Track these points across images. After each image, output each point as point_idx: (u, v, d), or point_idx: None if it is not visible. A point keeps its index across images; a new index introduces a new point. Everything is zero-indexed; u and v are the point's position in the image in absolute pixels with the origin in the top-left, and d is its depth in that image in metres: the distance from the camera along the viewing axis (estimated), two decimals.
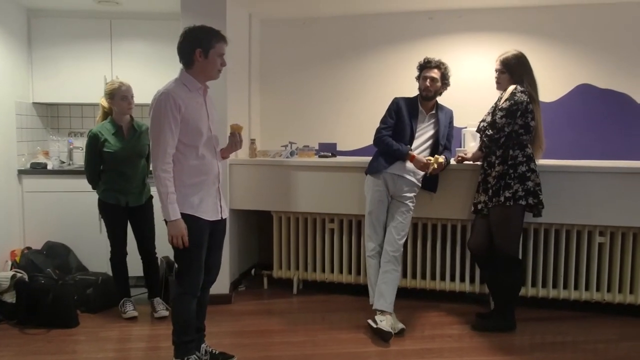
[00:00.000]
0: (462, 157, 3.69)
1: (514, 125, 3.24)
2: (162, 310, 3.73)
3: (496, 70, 3.36)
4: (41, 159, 4.50)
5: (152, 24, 4.57)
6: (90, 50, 4.57)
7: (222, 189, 2.87)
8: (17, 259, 4.05)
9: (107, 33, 4.58)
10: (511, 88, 3.27)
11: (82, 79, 4.57)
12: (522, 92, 3.22)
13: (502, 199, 3.26)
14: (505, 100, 3.25)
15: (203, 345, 3.00)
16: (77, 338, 3.42)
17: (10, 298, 3.65)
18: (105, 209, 3.74)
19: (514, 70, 3.29)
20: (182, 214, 2.63)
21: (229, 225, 3.97)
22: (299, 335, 3.46)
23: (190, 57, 2.68)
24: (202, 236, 2.72)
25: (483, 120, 3.39)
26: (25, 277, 3.73)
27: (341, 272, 4.17)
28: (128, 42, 4.59)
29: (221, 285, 4.00)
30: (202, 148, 2.71)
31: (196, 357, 2.82)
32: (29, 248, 4.22)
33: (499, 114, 3.24)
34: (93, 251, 4.34)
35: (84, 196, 4.32)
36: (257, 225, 4.70)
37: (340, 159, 4.24)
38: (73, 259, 4.26)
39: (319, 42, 4.75)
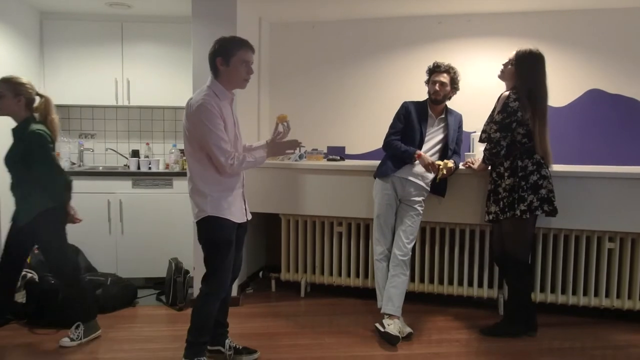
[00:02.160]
0: (469, 165, 3.68)
1: (517, 136, 3.22)
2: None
3: (508, 59, 3.31)
4: None
5: (163, 27, 4.61)
6: (102, 53, 4.61)
7: (245, 193, 2.97)
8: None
9: (118, 36, 4.62)
10: (505, 96, 3.23)
11: (93, 81, 4.61)
12: (515, 99, 3.18)
13: (517, 212, 3.23)
14: (498, 113, 3.22)
15: (227, 341, 3.10)
16: None
17: (20, 298, 3.69)
18: None
19: (523, 65, 3.23)
20: (212, 216, 2.75)
21: None
22: (306, 338, 3.46)
23: (214, 66, 2.78)
24: (231, 236, 2.83)
25: (484, 131, 3.34)
26: (36, 277, 3.77)
27: (349, 275, 4.17)
28: (139, 45, 4.63)
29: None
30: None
31: None
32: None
33: (493, 127, 3.23)
34: (102, 252, 4.37)
35: (94, 197, 4.35)
36: (265, 227, 4.71)
37: (348, 162, 4.25)
38: (82, 259, 4.29)
39: (328, 45, 4.77)
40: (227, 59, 2.74)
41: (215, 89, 2.77)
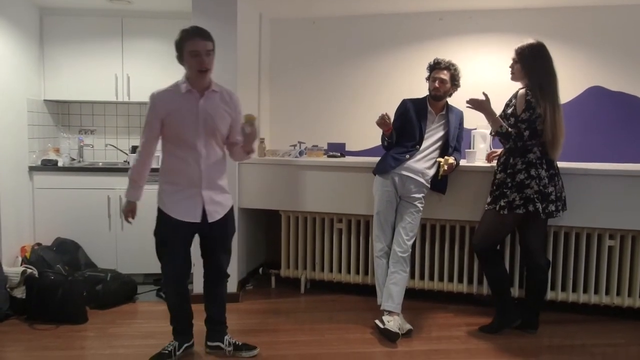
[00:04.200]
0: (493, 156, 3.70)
1: (526, 131, 3.21)
2: None
3: (512, 59, 3.31)
4: (52, 155, 4.54)
5: (163, 23, 4.59)
6: (102, 48, 4.59)
7: (214, 194, 2.88)
8: (28, 254, 4.08)
9: (118, 31, 4.60)
10: (522, 94, 3.21)
11: (93, 76, 4.59)
12: (532, 96, 3.17)
13: (497, 207, 3.27)
14: (524, 111, 3.19)
15: (226, 337, 3.13)
16: (86, 334, 3.45)
17: (20, 293, 3.68)
18: None
19: (526, 61, 3.22)
20: (159, 208, 2.88)
21: (238, 223, 4.00)
22: (306, 334, 3.46)
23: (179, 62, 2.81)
24: (167, 232, 2.86)
25: (506, 132, 3.25)
26: (36, 273, 3.77)
27: (349, 272, 4.17)
28: (139, 40, 4.61)
29: (229, 284, 3.99)
30: (181, 151, 2.79)
31: (173, 345, 2.99)
32: (39, 244, 4.25)
33: (522, 126, 3.19)
34: (102, 248, 4.37)
35: (94, 193, 4.35)
36: (265, 224, 4.71)
37: (349, 159, 4.24)
38: (82, 255, 4.29)
39: (329, 41, 4.76)
40: (180, 53, 2.74)
41: (181, 82, 2.80)
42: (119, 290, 3.93)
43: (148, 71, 4.56)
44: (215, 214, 2.89)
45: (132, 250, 4.36)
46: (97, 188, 4.37)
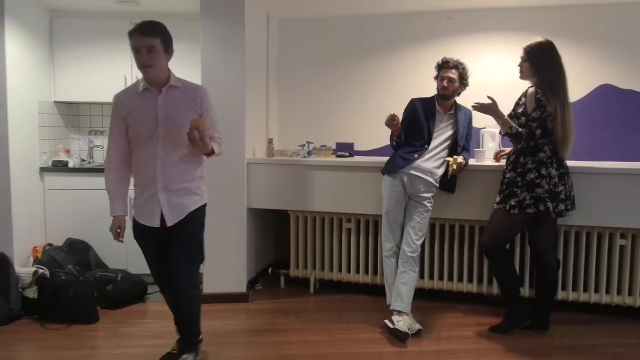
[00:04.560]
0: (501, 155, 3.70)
1: (538, 130, 3.20)
2: None
3: (521, 58, 3.30)
4: (63, 157, 4.57)
5: (171, 24, 4.49)
6: (111, 50, 4.62)
7: (173, 196, 2.68)
8: (39, 255, 4.11)
9: (126, 33, 4.61)
10: (532, 93, 3.19)
11: (102, 78, 4.62)
12: (542, 94, 3.15)
13: (507, 206, 3.25)
14: (535, 110, 3.17)
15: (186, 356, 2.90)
16: (97, 334, 3.47)
17: (32, 294, 3.72)
18: None
19: (535, 59, 3.20)
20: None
21: (247, 223, 4.03)
22: (315, 334, 3.46)
23: None
24: (139, 239, 2.77)
25: (517, 131, 3.23)
26: (47, 273, 3.80)
27: (358, 272, 4.17)
28: None
29: (238, 283, 4.05)
30: (142, 152, 2.68)
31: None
32: (50, 245, 4.29)
33: (533, 125, 3.17)
34: (113, 249, 4.35)
35: (104, 194, 4.36)
36: (274, 224, 4.72)
37: (357, 159, 4.24)
38: (93, 255, 4.32)
39: (336, 41, 4.76)
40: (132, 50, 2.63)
41: (141, 79, 2.73)
42: (129, 291, 3.96)
43: None
44: (174, 217, 2.67)
45: None
46: None
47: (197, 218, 2.77)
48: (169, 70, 2.74)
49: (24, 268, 3.92)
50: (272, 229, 4.72)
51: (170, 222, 2.67)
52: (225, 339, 3.38)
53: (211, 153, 2.70)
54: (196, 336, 2.95)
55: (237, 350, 3.25)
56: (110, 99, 4.60)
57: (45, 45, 4.54)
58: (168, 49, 2.67)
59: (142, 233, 2.75)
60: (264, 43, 4.53)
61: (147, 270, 4.32)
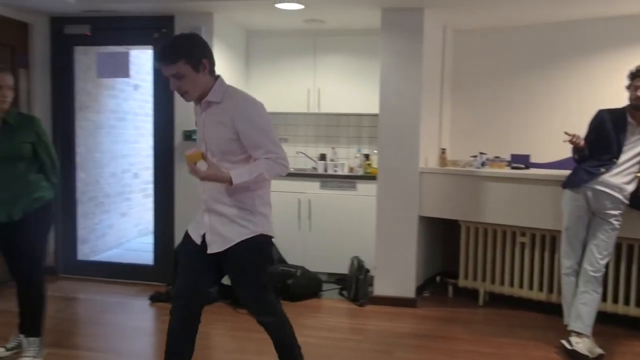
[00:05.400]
0: None
1: None
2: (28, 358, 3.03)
3: None
4: None
5: (352, 39, 4.91)
6: (296, 65, 5.06)
7: (217, 221, 2.40)
8: None
9: (311, 49, 5.04)
10: None
11: (287, 90, 5.08)
12: None
13: None
14: None
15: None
16: None
17: (227, 280, 4.21)
18: None
19: None
20: None
21: (417, 230, 4.13)
22: (484, 346, 3.45)
23: None
24: (182, 246, 2.58)
25: None
26: None
27: (531, 288, 4.03)
28: (330, 56, 4.99)
29: (407, 288, 4.17)
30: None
31: None
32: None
33: None
34: (292, 246, 4.73)
35: (286, 196, 4.78)
36: (442, 233, 4.75)
37: (533, 171, 4.11)
38: (275, 251, 4.72)
39: (513, 51, 4.66)
40: None
41: None
42: (307, 286, 4.31)
43: (337, 85, 4.93)
44: (213, 245, 2.41)
45: (318, 250, 4.72)
46: (289, 192, 4.80)
47: (244, 251, 2.43)
48: (214, 82, 2.39)
49: None
50: (440, 238, 4.76)
51: (210, 250, 2.41)
52: (394, 339, 3.52)
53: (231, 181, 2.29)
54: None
55: (406, 351, 3.37)
56: (293, 109, 5.13)
57: (242, 61, 5.13)
58: (198, 66, 2.29)
59: (186, 241, 2.55)
60: (440, 54, 4.61)
61: (322, 269, 4.70)
